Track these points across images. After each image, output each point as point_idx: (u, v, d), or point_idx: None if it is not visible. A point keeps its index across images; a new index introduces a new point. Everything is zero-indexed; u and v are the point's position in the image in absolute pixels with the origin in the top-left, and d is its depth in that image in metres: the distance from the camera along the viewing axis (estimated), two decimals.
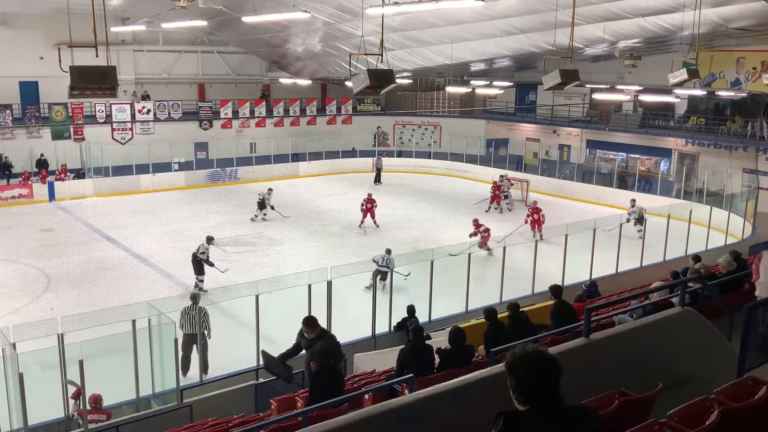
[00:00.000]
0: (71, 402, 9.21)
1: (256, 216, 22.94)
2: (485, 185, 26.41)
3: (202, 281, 15.58)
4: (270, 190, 23.78)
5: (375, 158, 31.48)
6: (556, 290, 9.46)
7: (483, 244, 18.06)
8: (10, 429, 8.84)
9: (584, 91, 27.91)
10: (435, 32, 21.75)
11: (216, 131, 31.51)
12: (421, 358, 7.77)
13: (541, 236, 19.34)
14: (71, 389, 9.15)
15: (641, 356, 4.66)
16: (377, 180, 30.07)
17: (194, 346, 11.23)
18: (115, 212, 23.27)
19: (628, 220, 20.57)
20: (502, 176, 25.73)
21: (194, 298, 11.62)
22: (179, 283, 16.29)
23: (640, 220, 19.98)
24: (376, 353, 11.22)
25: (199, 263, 15.56)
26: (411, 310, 12.11)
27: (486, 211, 24.10)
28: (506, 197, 24.87)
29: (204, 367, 10.90)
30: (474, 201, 25.66)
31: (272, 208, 23.07)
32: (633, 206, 21.21)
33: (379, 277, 13.71)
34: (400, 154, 33.86)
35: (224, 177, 29.65)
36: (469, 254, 13.82)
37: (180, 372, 9.98)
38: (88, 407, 8.70)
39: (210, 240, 15.90)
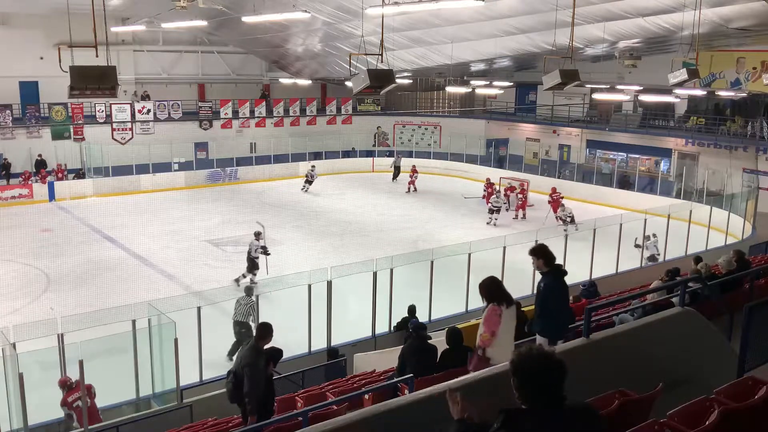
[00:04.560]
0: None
1: (303, 188, 27.77)
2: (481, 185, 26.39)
3: (254, 275, 15.89)
4: (313, 166, 28.32)
5: (395, 157, 31.77)
6: None
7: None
8: (10, 429, 8.84)
9: (584, 91, 27.88)
10: (435, 32, 21.75)
11: (216, 131, 31.48)
12: (422, 355, 7.74)
13: None
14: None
15: (641, 356, 4.67)
16: (395, 178, 30.57)
17: (242, 333, 11.86)
18: (115, 212, 23.27)
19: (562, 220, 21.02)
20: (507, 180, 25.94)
21: (248, 290, 12.27)
22: (179, 283, 16.30)
23: (572, 220, 20.61)
24: (376, 353, 11.22)
25: (252, 261, 15.98)
26: (411, 310, 12.11)
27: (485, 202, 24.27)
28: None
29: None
30: (466, 195, 26.15)
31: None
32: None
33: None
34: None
35: (224, 177, 29.65)
36: (469, 254, 13.82)
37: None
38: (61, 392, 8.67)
39: (258, 235, 16.28)
